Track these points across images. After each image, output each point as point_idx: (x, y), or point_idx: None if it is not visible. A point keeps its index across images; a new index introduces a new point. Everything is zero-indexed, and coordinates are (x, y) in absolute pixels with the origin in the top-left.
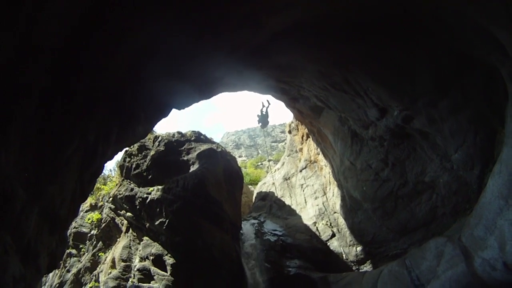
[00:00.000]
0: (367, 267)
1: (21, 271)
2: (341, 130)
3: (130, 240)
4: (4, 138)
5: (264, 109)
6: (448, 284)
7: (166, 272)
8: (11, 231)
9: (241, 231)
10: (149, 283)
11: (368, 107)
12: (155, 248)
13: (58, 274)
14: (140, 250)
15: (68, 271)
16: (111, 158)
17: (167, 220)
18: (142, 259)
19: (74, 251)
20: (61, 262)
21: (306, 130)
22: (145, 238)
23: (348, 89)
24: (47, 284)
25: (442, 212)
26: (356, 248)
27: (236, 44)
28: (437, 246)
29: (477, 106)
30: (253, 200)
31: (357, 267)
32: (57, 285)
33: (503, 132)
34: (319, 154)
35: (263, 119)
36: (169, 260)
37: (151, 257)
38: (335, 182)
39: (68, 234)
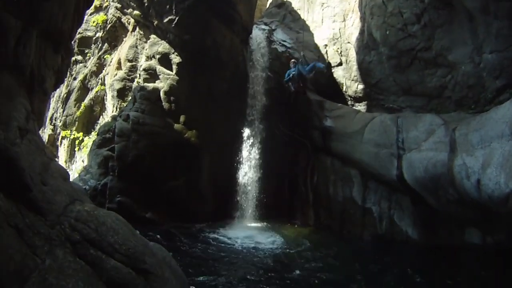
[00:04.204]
0: (361, 107)
1: (27, 110)
2: None
3: (136, 39)
4: None
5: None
6: (425, 162)
7: (172, 71)
8: (9, 68)
9: (250, 36)
10: (154, 82)
11: None
12: (162, 46)
13: (66, 84)
14: (146, 49)
15: (75, 78)
16: None
17: (177, 18)
18: (149, 58)
19: (79, 58)
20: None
21: None
22: (152, 36)
23: None
24: (55, 95)
25: (448, 95)
26: (357, 85)
27: None
28: (431, 123)
29: None
30: (267, 5)
31: (352, 103)
32: (65, 95)
33: None
34: None
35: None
36: (175, 59)
37: (158, 56)
38: (359, 13)
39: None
